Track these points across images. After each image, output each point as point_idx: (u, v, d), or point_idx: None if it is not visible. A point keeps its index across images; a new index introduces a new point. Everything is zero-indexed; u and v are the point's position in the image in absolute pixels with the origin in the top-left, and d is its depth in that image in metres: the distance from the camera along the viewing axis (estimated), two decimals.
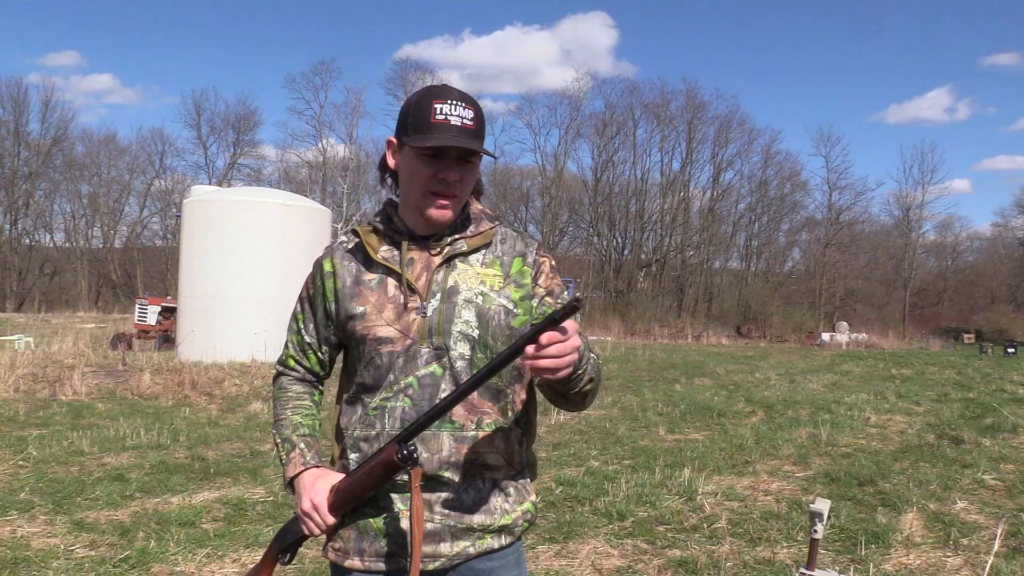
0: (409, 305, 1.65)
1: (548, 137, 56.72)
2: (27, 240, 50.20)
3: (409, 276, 1.66)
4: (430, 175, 1.62)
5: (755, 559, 4.48)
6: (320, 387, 1.88)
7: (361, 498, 1.59)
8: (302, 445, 1.72)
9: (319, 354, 1.81)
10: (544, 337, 1.36)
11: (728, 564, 4.38)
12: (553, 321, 1.35)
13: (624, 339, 30.69)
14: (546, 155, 53.59)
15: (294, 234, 14.81)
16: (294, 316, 1.83)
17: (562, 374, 1.40)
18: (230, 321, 14.20)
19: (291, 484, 1.70)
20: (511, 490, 1.73)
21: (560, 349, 1.37)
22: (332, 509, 1.62)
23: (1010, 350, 27.46)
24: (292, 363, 1.84)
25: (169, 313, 19.24)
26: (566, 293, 1.82)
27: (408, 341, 1.64)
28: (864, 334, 35.93)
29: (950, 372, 16.40)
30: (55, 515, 5.03)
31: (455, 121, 1.59)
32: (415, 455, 1.51)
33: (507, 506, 1.72)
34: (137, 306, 20.99)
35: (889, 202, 68.94)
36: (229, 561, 4.31)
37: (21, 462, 6.51)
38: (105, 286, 50.53)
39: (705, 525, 5.09)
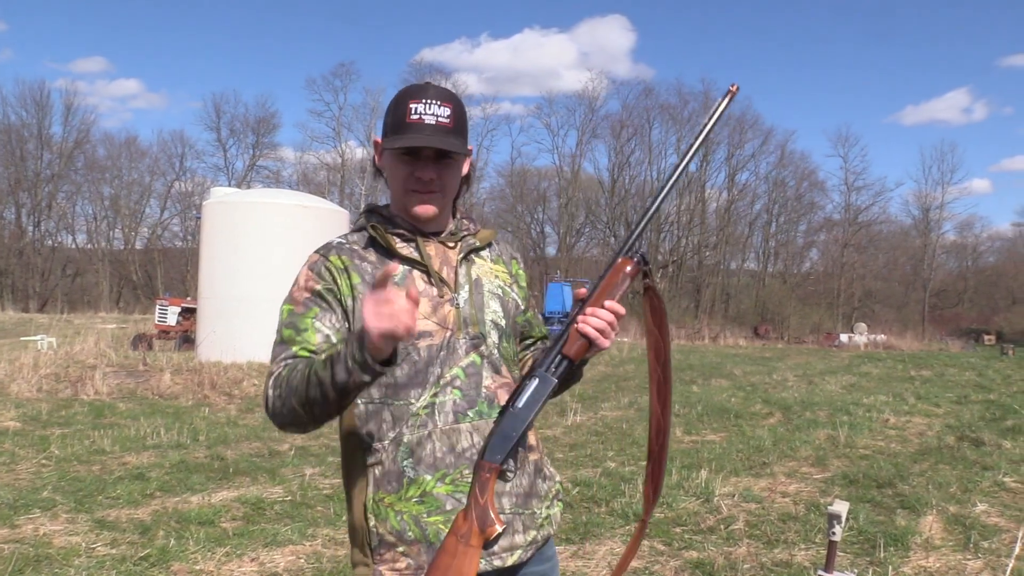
0: (443, 297, 1.66)
1: (565, 138, 56.66)
2: (50, 241, 50.80)
3: (435, 269, 1.68)
4: (407, 174, 1.63)
5: (772, 561, 4.47)
6: None
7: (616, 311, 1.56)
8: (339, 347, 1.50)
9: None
10: (610, 304, 1.55)
11: (745, 566, 4.37)
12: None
13: (640, 340, 30.55)
14: (563, 156, 53.64)
15: (312, 235, 14.81)
16: (297, 315, 1.59)
17: (606, 343, 1.54)
18: (249, 322, 14.27)
19: (360, 345, 1.38)
20: (547, 471, 1.76)
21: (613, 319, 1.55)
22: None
23: None
24: (305, 355, 1.56)
25: (189, 314, 19.37)
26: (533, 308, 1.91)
27: (447, 333, 1.63)
28: (883, 335, 35.58)
29: (970, 374, 16.21)
30: (77, 513, 5.09)
31: (429, 120, 1.59)
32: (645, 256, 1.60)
33: (547, 487, 1.73)
34: (157, 307, 21.13)
35: (908, 202, 68.55)
36: (248, 560, 4.34)
37: (44, 461, 6.60)
38: (126, 287, 50.99)
39: (722, 527, 5.08)
